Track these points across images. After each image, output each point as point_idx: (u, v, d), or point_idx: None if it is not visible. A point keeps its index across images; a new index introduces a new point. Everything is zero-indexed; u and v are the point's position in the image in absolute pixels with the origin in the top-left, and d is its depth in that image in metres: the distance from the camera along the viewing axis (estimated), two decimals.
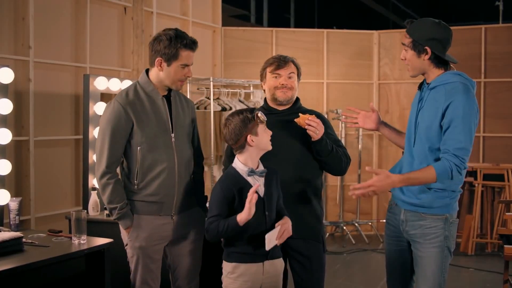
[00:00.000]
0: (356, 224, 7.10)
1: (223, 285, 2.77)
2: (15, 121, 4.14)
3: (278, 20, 13.72)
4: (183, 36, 2.92)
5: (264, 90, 3.24)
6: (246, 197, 2.60)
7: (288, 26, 13.89)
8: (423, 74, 2.90)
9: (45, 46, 4.46)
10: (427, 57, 2.82)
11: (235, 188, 2.68)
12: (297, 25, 14.06)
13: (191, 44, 2.92)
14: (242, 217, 2.57)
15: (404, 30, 2.95)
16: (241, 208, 2.63)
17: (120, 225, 3.00)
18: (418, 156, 2.85)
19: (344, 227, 7.08)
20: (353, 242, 6.81)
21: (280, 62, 3.12)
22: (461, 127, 2.68)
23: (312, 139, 2.96)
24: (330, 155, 3.03)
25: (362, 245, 6.74)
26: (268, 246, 2.62)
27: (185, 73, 2.94)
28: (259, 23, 13.43)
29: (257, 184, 2.63)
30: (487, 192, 6.56)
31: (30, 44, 4.26)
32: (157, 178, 2.92)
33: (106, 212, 3.76)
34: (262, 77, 3.22)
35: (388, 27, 15.78)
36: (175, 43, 2.88)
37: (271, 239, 2.65)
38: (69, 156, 4.69)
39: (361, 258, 6.23)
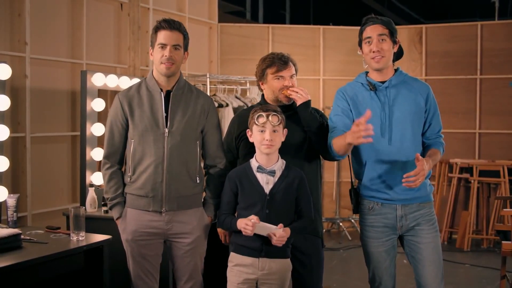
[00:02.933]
0: (353, 221, 7.11)
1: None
2: (11, 118, 4.13)
3: (274, 17, 13.68)
4: (161, 19, 2.99)
5: (262, 89, 3.23)
6: (247, 191, 2.81)
7: (284, 23, 13.87)
8: (379, 70, 2.96)
9: (41, 42, 4.44)
10: (395, 49, 2.99)
11: (237, 179, 2.85)
12: (292, 22, 14.03)
13: (163, 23, 2.95)
14: (240, 226, 2.76)
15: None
16: (242, 201, 2.82)
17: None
18: (401, 149, 2.91)
19: (341, 224, 7.09)
20: (350, 238, 6.83)
21: (280, 63, 3.10)
22: (438, 113, 3.04)
23: (297, 104, 3.01)
24: (321, 128, 3.02)
25: (358, 241, 6.70)
26: (256, 230, 2.71)
27: (163, 53, 2.93)
28: (254, 19, 13.40)
29: (255, 217, 2.70)
30: (482, 188, 6.58)
31: (27, 40, 4.25)
32: (144, 172, 2.95)
33: (104, 208, 3.76)
34: (262, 77, 3.17)
35: None
36: (155, 28, 2.99)
37: (262, 229, 2.70)
38: (65, 153, 4.68)
39: (357, 254, 6.23)
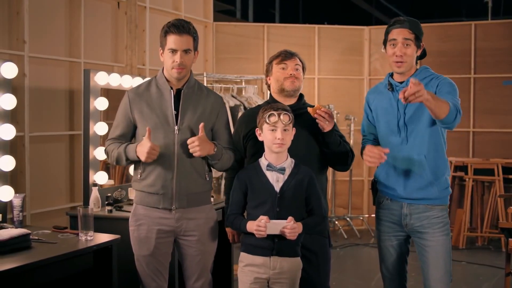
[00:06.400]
0: (348, 219, 7.14)
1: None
2: (10, 117, 4.08)
3: (264, 15, 13.71)
4: (170, 22, 2.96)
5: (269, 86, 3.23)
6: (257, 189, 2.80)
7: (273, 21, 13.89)
8: (401, 73, 2.98)
9: (39, 41, 4.41)
10: (419, 53, 2.99)
11: (247, 178, 2.83)
12: (282, 21, 14.06)
13: (172, 27, 2.92)
14: (250, 229, 2.74)
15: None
16: (252, 199, 2.81)
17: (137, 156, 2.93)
18: (415, 148, 2.92)
19: (336, 222, 7.11)
20: (345, 236, 6.85)
21: (286, 54, 3.15)
22: (457, 97, 2.84)
23: (322, 130, 2.97)
24: (338, 149, 3.06)
25: (354, 239, 6.79)
26: (268, 231, 2.69)
27: (173, 59, 2.91)
28: (244, 18, 13.40)
29: (265, 217, 2.68)
30: (477, 187, 6.64)
31: (25, 39, 4.21)
32: (155, 169, 2.94)
33: (108, 208, 3.74)
34: (268, 71, 3.20)
35: (371, 23, 15.86)
36: (164, 31, 2.96)
37: (273, 228, 2.69)
38: (63, 152, 4.65)
39: (354, 253, 6.28)
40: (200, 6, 6.79)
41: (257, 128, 2.91)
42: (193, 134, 2.96)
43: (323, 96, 7.22)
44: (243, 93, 6.61)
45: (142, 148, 2.83)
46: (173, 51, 2.91)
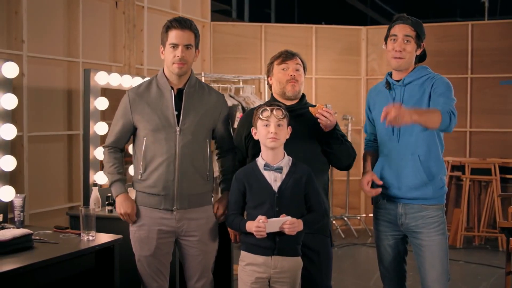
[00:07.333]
0: (345, 219, 7.15)
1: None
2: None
3: (259, 15, 13.71)
4: (172, 19, 2.98)
5: (270, 86, 3.24)
6: (255, 190, 2.79)
7: (269, 21, 13.90)
8: (399, 70, 2.99)
9: (38, 40, 4.39)
10: (419, 52, 2.99)
11: (245, 179, 2.82)
12: (277, 21, 14.08)
13: (174, 22, 2.94)
14: (249, 229, 2.74)
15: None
16: (251, 200, 2.80)
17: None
18: (408, 148, 2.94)
19: (334, 222, 7.12)
20: (343, 236, 6.87)
21: (287, 54, 3.16)
22: (451, 97, 2.84)
23: (324, 130, 2.98)
24: (340, 148, 3.06)
25: (351, 239, 6.80)
26: (267, 229, 2.69)
27: (175, 54, 2.91)
28: (240, 18, 13.40)
29: (263, 217, 2.68)
30: (474, 186, 6.66)
31: (24, 39, 4.20)
32: (156, 170, 2.94)
33: (108, 208, 3.73)
34: (269, 71, 3.21)
35: (366, 23, 15.88)
36: (166, 27, 2.97)
37: (272, 226, 2.69)
38: (62, 152, 4.64)
39: (352, 252, 6.29)
40: (198, 6, 6.78)
41: (252, 128, 2.91)
42: (195, 135, 2.96)
43: (321, 96, 7.23)
44: (241, 93, 6.59)
45: (121, 206, 2.96)
46: (175, 45, 2.92)
